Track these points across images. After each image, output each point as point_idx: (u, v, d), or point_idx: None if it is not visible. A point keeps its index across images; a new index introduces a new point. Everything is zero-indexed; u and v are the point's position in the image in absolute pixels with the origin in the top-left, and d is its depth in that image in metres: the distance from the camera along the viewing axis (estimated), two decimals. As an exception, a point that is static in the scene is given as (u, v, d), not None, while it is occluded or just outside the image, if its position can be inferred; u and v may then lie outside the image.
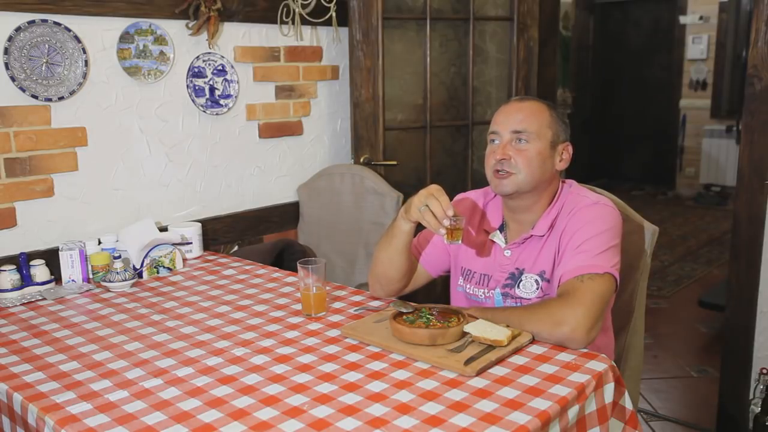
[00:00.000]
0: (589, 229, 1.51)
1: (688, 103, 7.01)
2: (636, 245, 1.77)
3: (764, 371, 2.28)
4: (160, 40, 2.25)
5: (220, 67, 2.43)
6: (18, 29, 1.92)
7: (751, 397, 2.33)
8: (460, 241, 1.53)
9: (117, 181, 2.22)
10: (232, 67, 2.46)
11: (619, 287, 1.52)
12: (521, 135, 1.56)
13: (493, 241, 1.66)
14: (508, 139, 1.57)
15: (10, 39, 1.91)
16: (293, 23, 2.56)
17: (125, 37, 2.16)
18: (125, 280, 1.93)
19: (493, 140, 1.60)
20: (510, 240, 1.64)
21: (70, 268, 1.97)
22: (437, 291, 2.31)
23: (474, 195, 1.76)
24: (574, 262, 1.47)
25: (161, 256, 2.09)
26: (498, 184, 1.58)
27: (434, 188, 1.51)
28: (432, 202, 1.48)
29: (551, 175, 1.60)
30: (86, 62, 2.07)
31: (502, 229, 1.67)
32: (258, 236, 2.65)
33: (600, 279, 1.44)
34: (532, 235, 1.59)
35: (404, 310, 1.51)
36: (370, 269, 1.75)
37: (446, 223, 1.47)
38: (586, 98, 7.61)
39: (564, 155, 1.61)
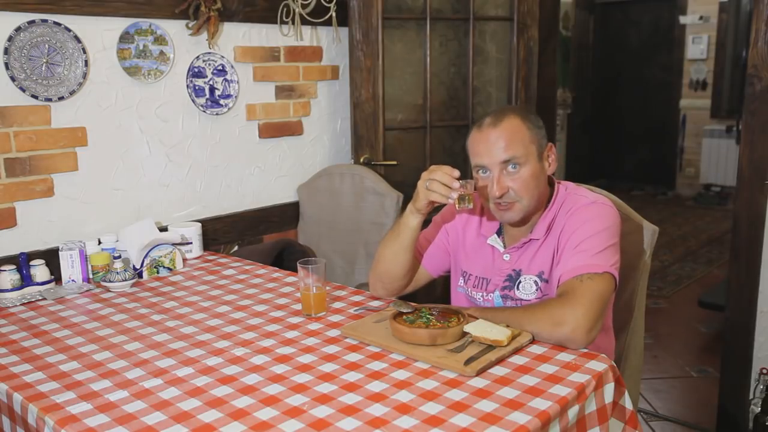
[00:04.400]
0: (587, 228, 1.50)
1: (688, 103, 7.01)
2: (636, 245, 1.77)
3: (764, 371, 2.28)
4: (160, 40, 2.25)
5: (220, 67, 2.43)
6: (18, 29, 1.92)
7: (751, 397, 2.33)
8: (471, 205, 1.51)
9: (117, 181, 2.22)
10: (232, 67, 2.46)
11: (618, 287, 1.52)
12: (511, 163, 1.51)
13: (492, 245, 1.66)
14: (500, 171, 1.52)
15: (10, 39, 1.91)
16: (293, 23, 2.56)
17: (125, 37, 2.16)
18: (125, 280, 1.93)
19: (482, 172, 1.56)
20: (509, 244, 1.64)
21: (70, 268, 1.97)
22: (437, 291, 2.31)
23: (473, 196, 1.76)
24: (573, 262, 1.47)
25: (161, 256, 2.09)
26: (502, 215, 1.56)
27: (433, 166, 1.52)
28: (436, 175, 1.49)
29: (546, 184, 1.60)
30: (86, 62, 2.07)
31: (499, 232, 1.67)
32: (258, 236, 2.65)
33: (599, 278, 1.44)
34: (530, 239, 1.59)
35: (404, 310, 1.51)
36: (372, 268, 1.74)
37: (456, 185, 1.47)
38: (586, 98, 7.60)
39: (551, 158, 1.59)
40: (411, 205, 1.59)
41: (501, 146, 1.51)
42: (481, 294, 1.66)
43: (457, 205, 1.50)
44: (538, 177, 1.55)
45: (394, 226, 1.69)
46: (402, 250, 1.65)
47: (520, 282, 1.59)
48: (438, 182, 1.48)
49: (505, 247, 1.64)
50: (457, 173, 1.48)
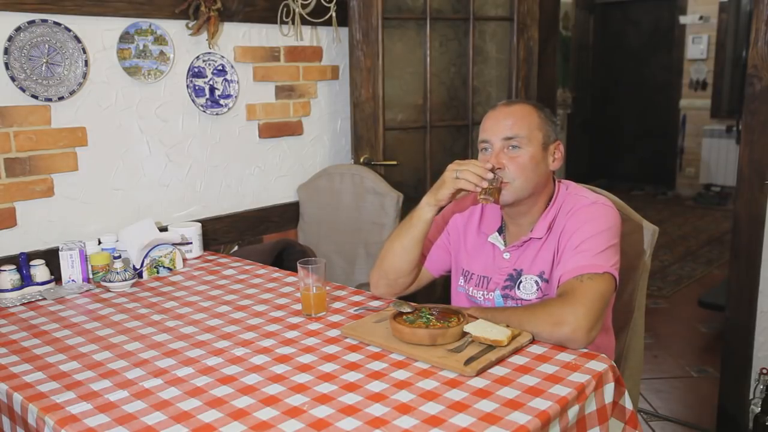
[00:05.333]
0: (588, 228, 1.51)
1: (688, 103, 7.01)
2: (636, 245, 1.77)
3: (764, 371, 2.28)
4: (160, 40, 2.25)
5: (220, 67, 2.43)
6: (18, 29, 1.92)
7: (751, 397, 2.33)
8: (493, 200, 1.53)
9: (117, 181, 2.22)
10: (232, 67, 2.46)
11: (618, 287, 1.52)
12: (512, 141, 1.55)
13: (492, 243, 1.66)
14: (500, 147, 1.56)
15: (10, 39, 1.91)
16: (293, 23, 2.56)
17: (125, 37, 2.16)
18: (125, 280, 1.93)
19: (485, 149, 1.59)
20: (509, 242, 1.64)
21: (70, 268, 1.97)
22: (437, 291, 2.31)
23: (474, 195, 1.76)
24: (574, 262, 1.47)
25: (161, 256, 2.09)
26: None
27: (461, 160, 1.55)
28: (467, 166, 1.52)
29: (546, 178, 1.60)
30: (86, 62, 2.07)
31: (501, 231, 1.67)
32: (258, 236, 2.65)
33: (599, 279, 1.44)
34: (531, 238, 1.59)
35: (404, 310, 1.51)
36: (376, 265, 1.74)
37: (489, 176, 1.50)
38: (586, 98, 7.61)
39: (556, 155, 1.61)
40: (428, 198, 1.61)
41: (507, 124, 1.56)
42: (482, 293, 1.66)
43: (481, 195, 1.52)
44: (537, 164, 1.56)
45: (405, 221, 1.69)
46: (413, 244, 1.66)
47: (521, 282, 1.59)
48: (471, 172, 1.51)
49: (505, 245, 1.64)
50: (490, 165, 1.52)
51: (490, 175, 1.51)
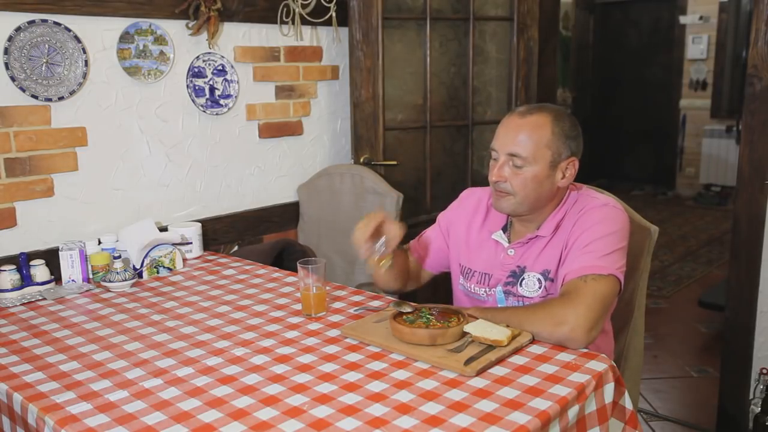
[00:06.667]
0: (597, 230, 1.50)
1: (688, 103, 7.01)
2: (636, 245, 1.77)
3: (764, 371, 2.28)
4: (160, 40, 2.25)
5: (220, 67, 2.42)
6: (18, 29, 1.92)
7: (751, 397, 2.33)
8: (389, 264, 1.60)
9: (117, 181, 2.22)
10: (232, 67, 2.46)
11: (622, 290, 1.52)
12: (516, 159, 1.52)
13: (496, 240, 1.66)
14: (504, 161, 1.54)
15: (10, 39, 1.91)
16: (293, 23, 2.56)
17: (125, 37, 2.16)
18: (125, 280, 1.93)
19: (495, 159, 1.57)
20: (514, 239, 1.64)
21: (70, 268, 1.97)
22: (439, 291, 2.31)
23: (480, 192, 1.76)
24: (579, 263, 1.47)
25: (161, 256, 2.09)
26: (495, 201, 1.60)
27: (368, 217, 1.58)
28: (355, 233, 1.57)
29: (551, 193, 1.56)
30: (86, 62, 2.07)
31: (506, 228, 1.67)
32: (258, 236, 2.65)
33: (603, 280, 1.44)
34: (537, 236, 1.59)
35: (404, 310, 1.51)
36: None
37: (366, 245, 1.56)
38: (586, 98, 7.61)
39: (568, 172, 1.55)
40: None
41: (515, 138, 1.52)
42: (484, 290, 1.66)
43: (374, 260, 1.59)
44: (540, 182, 1.53)
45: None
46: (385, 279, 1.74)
47: (523, 279, 1.59)
48: (356, 239, 1.57)
49: (509, 242, 1.64)
50: (367, 234, 1.57)
51: (369, 246, 1.56)
